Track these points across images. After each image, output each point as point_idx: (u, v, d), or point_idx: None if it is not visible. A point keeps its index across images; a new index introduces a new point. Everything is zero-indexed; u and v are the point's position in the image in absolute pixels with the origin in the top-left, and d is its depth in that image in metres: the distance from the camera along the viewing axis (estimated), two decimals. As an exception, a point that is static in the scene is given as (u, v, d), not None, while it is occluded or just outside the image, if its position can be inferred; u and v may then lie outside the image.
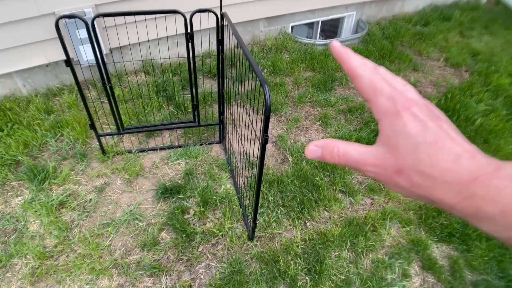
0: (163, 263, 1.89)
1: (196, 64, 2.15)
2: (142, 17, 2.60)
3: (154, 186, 2.28)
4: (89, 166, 2.38)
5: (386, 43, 4.10)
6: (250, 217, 1.93)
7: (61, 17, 1.70)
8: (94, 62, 1.96)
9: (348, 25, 4.56)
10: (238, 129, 2.28)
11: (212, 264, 1.91)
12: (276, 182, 2.34)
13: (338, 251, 2.02)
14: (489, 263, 2.05)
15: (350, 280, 1.89)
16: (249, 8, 3.53)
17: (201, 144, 2.59)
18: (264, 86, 1.25)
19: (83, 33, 2.47)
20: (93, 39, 1.84)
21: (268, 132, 1.41)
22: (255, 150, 2.07)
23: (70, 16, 1.74)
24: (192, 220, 2.10)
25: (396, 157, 0.31)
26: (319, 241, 2.05)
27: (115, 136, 2.54)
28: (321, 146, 0.35)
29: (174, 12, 1.86)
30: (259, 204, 2.12)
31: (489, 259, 2.06)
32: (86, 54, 2.73)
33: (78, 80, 1.97)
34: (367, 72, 0.34)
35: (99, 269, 1.83)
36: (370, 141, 2.74)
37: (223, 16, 1.86)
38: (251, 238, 2.01)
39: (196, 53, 2.14)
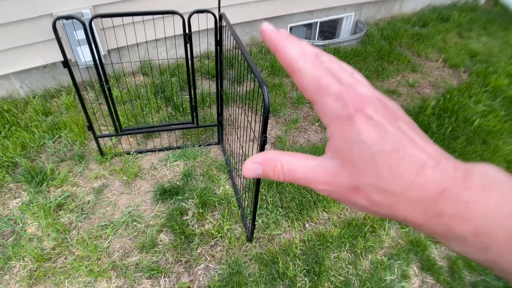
0: (162, 265, 1.89)
1: (195, 65, 2.14)
2: (140, 18, 2.60)
3: (152, 188, 2.27)
4: (87, 168, 2.37)
5: (385, 44, 4.11)
6: (249, 218, 1.92)
7: (58, 18, 1.69)
8: (92, 63, 1.96)
9: (347, 26, 4.57)
10: (236, 130, 2.27)
11: (211, 265, 1.91)
12: (275, 183, 2.33)
13: (337, 252, 2.02)
14: (488, 263, 2.04)
15: (349, 281, 1.89)
16: (248, 8, 3.53)
17: (200, 145, 2.59)
18: (263, 87, 1.25)
19: (80, 34, 2.46)
20: (90, 40, 1.84)
21: (267, 133, 1.40)
22: (254, 151, 2.06)
23: (67, 17, 1.74)
24: (191, 221, 2.09)
25: (352, 173, 0.26)
26: (318, 242, 2.04)
27: (113, 137, 2.53)
28: (261, 163, 0.29)
29: (172, 13, 1.86)
30: (258, 205, 2.12)
31: (488, 259, 2.06)
32: (84, 55, 2.72)
33: (76, 81, 1.96)
34: (308, 66, 0.28)
35: (98, 271, 1.82)
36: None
37: (221, 16, 1.86)
38: (250, 239, 2.00)
39: (195, 54, 2.13)
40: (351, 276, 1.92)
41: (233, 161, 2.36)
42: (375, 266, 1.98)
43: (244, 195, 2.13)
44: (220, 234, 2.03)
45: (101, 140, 2.44)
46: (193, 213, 2.12)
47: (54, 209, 2.07)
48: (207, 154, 2.54)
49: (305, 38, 4.22)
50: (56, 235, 1.95)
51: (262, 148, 1.40)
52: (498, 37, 4.72)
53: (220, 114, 2.42)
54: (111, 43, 2.89)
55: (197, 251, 1.95)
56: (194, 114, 2.40)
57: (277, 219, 2.14)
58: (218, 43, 2.00)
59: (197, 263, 1.91)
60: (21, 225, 2.00)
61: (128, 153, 2.47)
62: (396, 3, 4.76)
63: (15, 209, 2.08)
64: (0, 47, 2.56)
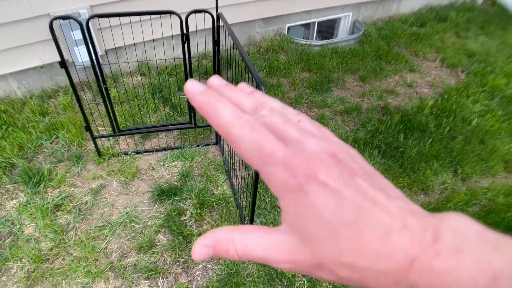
0: (160, 266, 1.88)
1: (192, 65, 2.14)
2: (137, 18, 2.59)
3: (150, 188, 2.26)
4: (85, 168, 2.36)
5: (383, 44, 4.11)
6: (247, 218, 1.92)
7: (55, 18, 1.69)
8: (89, 63, 1.95)
9: (345, 26, 4.57)
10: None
11: (209, 266, 1.90)
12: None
13: (335, 252, 2.02)
14: (486, 263, 2.05)
15: (348, 281, 1.89)
16: (245, 8, 3.53)
17: (198, 146, 2.58)
18: (261, 87, 1.25)
19: (77, 35, 2.44)
20: (88, 40, 1.83)
21: (265, 133, 1.40)
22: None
23: (64, 17, 1.73)
24: (189, 222, 2.09)
25: (312, 250, 0.23)
26: (317, 242, 2.04)
27: (110, 138, 2.53)
28: (210, 245, 0.26)
29: (170, 12, 1.85)
30: (256, 206, 2.12)
31: (486, 259, 2.06)
32: (81, 56, 2.71)
33: (73, 81, 1.96)
34: (246, 132, 0.24)
35: (95, 272, 1.81)
36: (366, 142, 2.75)
37: (219, 16, 1.86)
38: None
39: (192, 54, 2.13)
40: (349, 276, 1.92)
41: (231, 162, 2.36)
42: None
43: (242, 196, 2.13)
44: (218, 235, 2.02)
45: (98, 141, 2.43)
46: (191, 214, 2.12)
47: (51, 210, 2.07)
48: (205, 154, 2.54)
49: (303, 38, 4.22)
50: (53, 236, 1.94)
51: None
52: (495, 37, 4.73)
53: (218, 114, 2.42)
54: (109, 43, 2.88)
55: (195, 252, 1.95)
56: (192, 114, 2.40)
57: (275, 219, 2.14)
58: (216, 43, 2.00)
59: (195, 263, 1.90)
60: (18, 226, 1.99)
61: (126, 154, 2.46)
62: (394, 3, 4.77)
63: (13, 210, 2.07)
64: (-3, 47, 2.55)
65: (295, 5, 3.86)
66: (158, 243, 1.98)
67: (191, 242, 1.98)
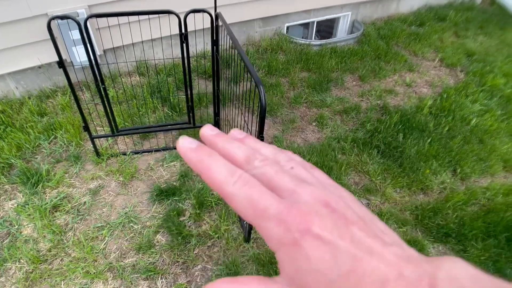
0: (159, 266, 1.88)
1: (191, 65, 2.13)
2: (135, 17, 2.58)
3: (149, 188, 2.26)
4: (83, 169, 2.35)
5: (382, 43, 4.11)
6: (246, 219, 1.92)
7: (53, 18, 1.68)
8: (87, 63, 1.94)
9: (344, 26, 4.57)
10: (233, 130, 2.27)
11: (208, 266, 1.90)
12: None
13: (334, 252, 2.01)
14: (485, 263, 2.05)
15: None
16: (244, 8, 3.52)
17: (197, 146, 2.57)
18: (259, 86, 1.24)
19: (76, 34, 2.44)
20: (86, 40, 1.82)
21: (264, 133, 1.40)
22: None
23: (62, 17, 1.72)
24: (188, 222, 2.09)
25: None
26: (316, 242, 2.04)
27: (109, 138, 2.52)
28: None
29: (168, 12, 1.84)
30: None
31: (485, 259, 2.06)
32: (79, 56, 2.70)
33: (71, 81, 1.95)
34: (239, 188, 0.24)
35: (94, 273, 1.81)
36: (366, 142, 2.74)
37: (217, 16, 1.85)
38: (247, 240, 1.99)
39: (191, 54, 2.12)
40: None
41: (230, 161, 2.35)
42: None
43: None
44: (217, 235, 2.02)
45: (97, 141, 2.42)
46: (190, 214, 2.11)
47: (50, 211, 2.06)
48: (204, 154, 2.53)
49: (302, 38, 4.21)
50: (52, 236, 1.93)
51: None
52: (494, 36, 4.73)
53: (217, 114, 2.41)
54: (107, 43, 2.87)
55: (194, 252, 1.95)
56: (191, 114, 2.39)
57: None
58: (215, 42, 1.99)
59: (194, 264, 1.90)
60: (16, 226, 1.98)
61: (125, 154, 2.45)
62: (392, 2, 4.77)
63: (11, 210, 2.06)
64: (-6, 47, 2.54)
65: (294, 5, 3.86)
66: (157, 244, 1.97)
67: (190, 242, 1.98)
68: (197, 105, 2.92)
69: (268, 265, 1.90)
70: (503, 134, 3.02)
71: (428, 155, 2.68)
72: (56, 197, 2.13)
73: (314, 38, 4.55)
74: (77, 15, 2.63)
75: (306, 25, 4.46)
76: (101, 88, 2.07)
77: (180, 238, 1.98)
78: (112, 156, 2.43)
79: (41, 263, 1.83)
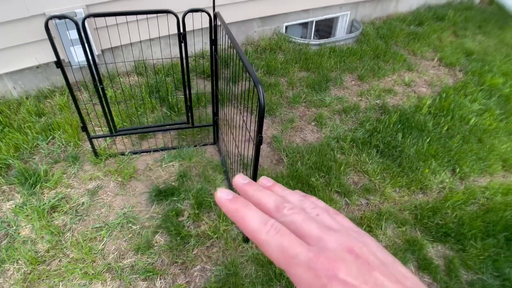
0: (158, 267, 1.87)
1: (190, 65, 2.12)
2: (133, 17, 2.57)
3: (147, 189, 2.25)
4: (82, 169, 2.34)
5: (381, 43, 4.11)
6: (245, 219, 1.91)
7: (51, 18, 1.67)
8: (85, 63, 1.93)
9: (343, 25, 4.56)
10: (232, 130, 2.26)
11: (207, 267, 1.89)
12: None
13: (334, 252, 2.01)
14: (484, 262, 2.05)
15: (346, 281, 1.88)
16: (243, 8, 3.51)
17: (195, 146, 2.57)
18: (258, 86, 1.23)
19: (73, 34, 2.43)
20: (84, 40, 1.81)
21: (263, 133, 1.39)
22: (249, 151, 2.05)
23: (60, 17, 1.71)
24: (187, 222, 2.08)
25: None
26: (315, 242, 2.03)
27: (107, 138, 2.51)
28: None
29: (166, 12, 1.84)
30: (254, 206, 2.10)
31: (484, 258, 2.06)
32: (77, 55, 2.69)
33: (69, 82, 1.94)
34: (272, 237, 0.27)
35: (92, 274, 1.80)
36: (365, 142, 2.74)
37: (216, 16, 1.85)
38: (246, 240, 1.99)
39: (189, 53, 2.12)
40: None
41: (229, 162, 2.35)
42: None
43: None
44: (216, 235, 2.01)
45: (95, 141, 2.41)
46: (189, 214, 2.11)
47: (48, 211, 2.05)
48: (203, 154, 2.53)
49: (301, 37, 4.21)
50: (50, 237, 1.93)
51: (257, 148, 1.38)
52: (493, 35, 4.74)
53: (215, 114, 2.41)
54: (105, 42, 2.86)
55: (193, 253, 1.94)
56: (190, 114, 2.38)
57: (274, 219, 2.13)
58: (213, 42, 1.98)
59: (193, 264, 1.89)
60: (14, 227, 1.97)
61: (123, 154, 2.45)
62: (391, 2, 4.77)
63: (9, 211, 2.05)
64: (-8, 47, 2.53)
65: (293, 4, 3.85)
66: (155, 244, 1.97)
67: (189, 243, 1.97)
68: (196, 105, 2.92)
69: (267, 265, 1.89)
70: (502, 133, 3.02)
71: (427, 155, 2.67)
72: (54, 198, 2.12)
73: (313, 38, 4.55)
74: (75, 14, 2.62)
75: (305, 25, 4.46)
76: (99, 88, 2.06)
77: (179, 238, 1.97)
78: (110, 157, 2.42)
79: (39, 264, 1.82)
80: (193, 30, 2.54)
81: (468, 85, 3.56)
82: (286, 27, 4.14)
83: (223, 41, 1.82)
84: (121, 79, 3.11)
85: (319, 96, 3.22)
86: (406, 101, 3.33)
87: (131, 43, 3.05)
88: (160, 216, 2.10)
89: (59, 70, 1.84)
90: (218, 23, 1.84)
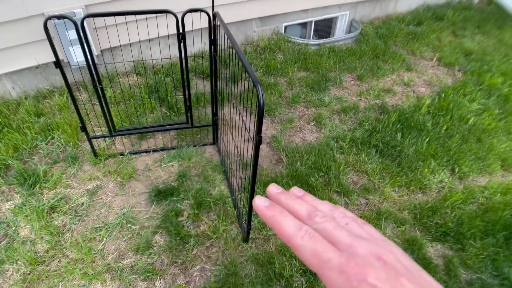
0: (157, 267, 1.87)
1: (189, 65, 2.12)
2: (133, 17, 2.57)
3: (147, 189, 2.25)
4: (81, 169, 2.34)
5: (380, 43, 4.11)
6: (244, 218, 1.91)
7: (49, 18, 1.67)
8: (84, 63, 1.93)
9: (342, 25, 4.57)
10: (231, 130, 2.26)
11: (207, 267, 1.89)
12: (271, 183, 2.32)
13: (333, 252, 2.01)
14: (484, 261, 2.05)
15: (346, 281, 1.88)
16: (242, 8, 3.51)
17: (195, 146, 2.57)
18: (257, 86, 1.23)
19: (72, 34, 2.43)
20: (83, 40, 1.81)
21: (262, 132, 1.39)
22: (249, 151, 2.05)
23: (59, 17, 1.71)
24: (186, 222, 2.08)
25: None
26: (315, 242, 2.03)
27: (107, 138, 2.51)
28: None
29: (166, 12, 1.84)
30: (254, 206, 2.10)
31: (483, 257, 2.07)
32: (76, 56, 2.69)
33: (68, 82, 1.94)
34: (306, 242, 0.30)
35: (92, 274, 1.80)
36: (364, 141, 2.74)
37: (215, 16, 1.85)
38: (246, 240, 1.99)
39: (189, 53, 2.12)
40: (347, 276, 1.91)
41: (228, 162, 2.35)
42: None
43: (239, 196, 2.12)
44: (215, 235, 2.01)
45: (94, 141, 2.41)
46: (188, 214, 2.11)
47: (47, 212, 2.05)
48: (202, 154, 2.53)
49: (300, 37, 4.21)
50: (49, 238, 1.92)
51: (257, 148, 1.38)
52: (492, 35, 4.74)
53: (215, 114, 2.41)
54: (104, 43, 2.86)
55: (192, 253, 1.94)
56: (189, 114, 2.38)
57: (273, 219, 2.13)
58: (212, 42, 1.98)
59: (193, 264, 1.89)
60: (14, 228, 1.97)
61: (122, 154, 2.44)
62: (390, 2, 4.77)
63: (8, 212, 2.05)
64: (-9, 47, 2.53)
65: (292, 4, 3.85)
66: (155, 244, 1.97)
67: (188, 243, 1.97)
68: (195, 105, 2.92)
69: (266, 265, 1.89)
70: (500, 133, 3.03)
71: (426, 154, 2.68)
72: (53, 198, 2.12)
73: (312, 38, 4.55)
74: (74, 14, 2.62)
75: (304, 25, 4.46)
76: (99, 88, 2.06)
77: (178, 238, 1.97)
78: (109, 157, 2.42)
79: (38, 264, 1.82)
80: (193, 30, 2.54)
81: (467, 85, 3.56)
82: (285, 27, 4.14)
83: (222, 41, 1.82)
84: (120, 79, 3.11)
85: (318, 96, 3.22)
86: (405, 101, 3.33)
87: (130, 43, 3.05)
88: (159, 216, 2.10)
89: (58, 70, 1.84)
90: (217, 23, 1.84)
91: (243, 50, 3.72)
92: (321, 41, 4.01)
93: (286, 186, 2.31)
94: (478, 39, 4.60)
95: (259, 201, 0.34)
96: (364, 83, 3.51)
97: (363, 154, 2.63)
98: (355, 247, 0.29)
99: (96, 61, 2.00)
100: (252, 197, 1.62)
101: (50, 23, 1.70)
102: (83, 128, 2.17)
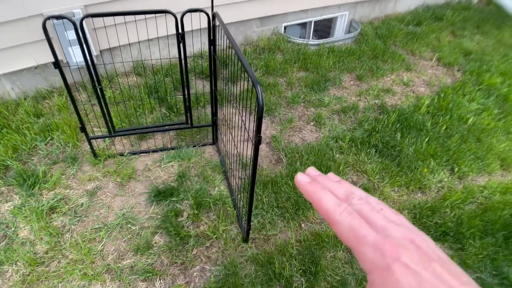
0: (157, 267, 1.87)
1: (188, 65, 2.12)
2: (132, 17, 2.57)
3: (146, 189, 2.25)
4: (80, 170, 2.34)
5: (379, 43, 4.11)
6: (244, 219, 1.91)
7: (48, 18, 1.66)
8: (83, 64, 1.93)
9: (341, 25, 4.57)
10: (231, 130, 2.26)
11: (207, 267, 1.89)
12: (270, 183, 2.32)
13: (333, 252, 2.01)
14: (483, 261, 2.05)
15: (346, 281, 1.89)
16: (241, 8, 3.51)
17: (194, 146, 2.57)
18: (257, 86, 1.23)
19: (71, 34, 2.42)
20: (82, 40, 1.81)
21: (262, 133, 1.39)
22: (248, 151, 2.05)
23: (58, 17, 1.71)
24: (186, 223, 2.08)
25: None
26: (314, 242, 2.04)
27: (106, 139, 2.51)
28: None
29: (165, 12, 1.84)
30: (253, 206, 2.11)
31: (483, 257, 2.07)
32: (75, 56, 2.68)
33: (67, 82, 1.94)
34: (344, 218, 0.31)
35: (92, 275, 1.79)
36: (363, 141, 2.74)
37: (214, 16, 1.85)
38: (245, 240, 1.99)
39: (188, 53, 2.12)
40: (347, 276, 1.91)
41: (228, 162, 2.35)
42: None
43: (239, 196, 2.11)
44: (215, 235, 2.01)
45: (94, 142, 2.41)
46: (188, 215, 2.10)
47: (46, 212, 2.04)
48: (202, 154, 2.52)
49: (300, 37, 4.21)
50: (49, 238, 1.92)
51: (256, 148, 1.38)
52: (491, 35, 4.75)
53: (214, 114, 2.41)
54: (103, 43, 2.86)
55: (192, 253, 1.94)
56: (188, 115, 2.38)
57: (273, 219, 2.13)
58: (212, 42, 1.98)
59: (193, 264, 1.89)
60: (13, 229, 1.97)
61: (122, 155, 2.44)
62: (390, 2, 4.77)
63: (7, 212, 2.05)
64: (-10, 48, 2.52)
65: (292, 4, 3.85)
66: (155, 245, 1.96)
67: (188, 243, 1.97)
68: (195, 105, 2.91)
69: (266, 265, 1.89)
70: (500, 132, 3.03)
71: (426, 154, 2.68)
72: (53, 199, 2.11)
73: (312, 38, 4.55)
74: (73, 15, 2.61)
75: (303, 25, 4.46)
76: (98, 89, 2.06)
77: (178, 239, 1.97)
78: (109, 157, 2.42)
79: (38, 265, 1.82)
80: (192, 30, 2.54)
81: (466, 85, 3.56)
82: (285, 27, 4.14)
83: (221, 41, 1.82)
84: (119, 79, 3.11)
85: (318, 96, 3.22)
86: (404, 100, 3.33)
87: (129, 44, 3.05)
88: (159, 216, 2.09)
89: (57, 70, 1.83)
90: (217, 23, 1.84)
91: (242, 50, 3.72)
92: (320, 41, 4.01)
93: (286, 187, 2.31)
94: (477, 39, 4.60)
95: (301, 177, 0.36)
96: (364, 83, 3.52)
97: (362, 154, 2.63)
98: (389, 230, 0.30)
99: (95, 61, 1.99)
100: (252, 197, 1.62)
101: (49, 23, 1.70)
102: (83, 129, 2.17)
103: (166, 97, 2.91)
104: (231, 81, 2.96)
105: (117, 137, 2.53)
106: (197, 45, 3.49)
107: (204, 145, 2.60)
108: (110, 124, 2.26)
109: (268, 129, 2.85)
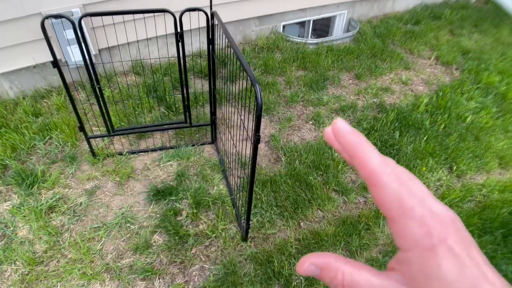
0: (156, 266, 1.87)
1: (187, 64, 2.12)
2: (130, 16, 2.57)
3: (145, 188, 2.25)
4: (79, 169, 2.34)
5: (378, 42, 4.12)
6: (243, 217, 1.91)
7: (47, 17, 1.66)
8: (82, 63, 1.93)
9: (340, 24, 4.57)
10: (230, 129, 2.26)
11: (206, 266, 1.89)
12: (269, 182, 2.32)
13: (332, 250, 2.02)
14: (482, 259, 2.06)
15: (345, 279, 1.89)
16: (240, 7, 3.51)
17: (193, 145, 2.57)
18: (255, 85, 1.24)
19: (70, 34, 2.42)
20: (80, 39, 1.81)
21: (260, 132, 1.39)
22: (247, 150, 2.05)
23: (56, 16, 1.70)
24: (185, 222, 2.08)
25: None
26: (313, 241, 2.04)
27: (105, 138, 2.50)
28: (320, 266, 0.28)
29: (163, 11, 1.83)
30: (253, 205, 2.11)
31: (481, 255, 2.07)
32: (74, 55, 2.68)
33: (66, 81, 1.93)
34: (392, 181, 0.26)
35: (91, 274, 1.80)
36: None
37: (213, 15, 1.84)
38: (244, 239, 1.99)
39: (187, 53, 2.12)
40: (346, 274, 1.91)
41: (227, 161, 2.35)
42: (370, 264, 1.99)
43: (238, 195, 2.12)
44: (214, 234, 2.01)
45: (93, 141, 2.41)
46: (187, 214, 2.11)
47: (45, 212, 2.04)
48: (201, 153, 2.52)
49: (299, 36, 4.21)
50: (48, 238, 1.92)
51: (255, 147, 1.38)
52: (489, 34, 4.76)
53: (213, 113, 2.41)
54: (102, 42, 2.85)
55: (191, 252, 1.94)
56: (187, 114, 2.38)
57: (272, 218, 2.14)
58: (210, 41, 1.98)
59: (192, 263, 1.89)
60: (12, 228, 1.97)
61: (121, 154, 2.44)
62: (388, 1, 4.78)
63: (6, 212, 2.04)
64: (-12, 47, 2.52)
65: (290, 3, 3.85)
66: (154, 244, 1.97)
67: (187, 242, 1.97)
68: (194, 104, 2.91)
69: (265, 264, 1.89)
70: (498, 131, 3.04)
71: (424, 153, 2.69)
72: (51, 198, 2.11)
73: (310, 37, 4.55)
74: (72, 14, 2.61)
75: (302, 24, 4.46)
76: (97, 88, 2.06)
77: (177, 238, 1.97)
78: (108, 156, 2.42)
79: (37, 265, 1.82)
80: (191, 29, 2.54)
81: (464, 84, 3.57)
82: (284, 26, 4.14)
83: (220, 40, 1.82)
84: (118, 78, 3.11)
85: (317, 95, 3.23)
86: (403, 99, 3.34)
87: (128, 43, 3.04)
88: (158, 215, 2.09)
89: (56, 70, 1.83)
90: (215, 22, 1.84)
91: (241, 49, 3.72)
92: (319, 40, 4.01)
93: (285, 185, 2.31)
94: (475, 38, 4.61)
95: (341, 122, 0.28)
96: (362, 82, 3.52)
97: (361, 153, 2.64)
98: (431, 205, 0.26)
99: (94, 60, 1.99)
100: (251, 195, 1.62)
101: (47, 23, 1.69)
102: (81, 128, 2.17)
103: (165, 96, 2.91)
104: (230, 80, 2.96)
105: (116, 136, 2.53)
106: (195, 44, 3.49)
107: (203, 144, 2.60)
108: (109, 123, 2.26)
109: (267, 128, 2.85)
